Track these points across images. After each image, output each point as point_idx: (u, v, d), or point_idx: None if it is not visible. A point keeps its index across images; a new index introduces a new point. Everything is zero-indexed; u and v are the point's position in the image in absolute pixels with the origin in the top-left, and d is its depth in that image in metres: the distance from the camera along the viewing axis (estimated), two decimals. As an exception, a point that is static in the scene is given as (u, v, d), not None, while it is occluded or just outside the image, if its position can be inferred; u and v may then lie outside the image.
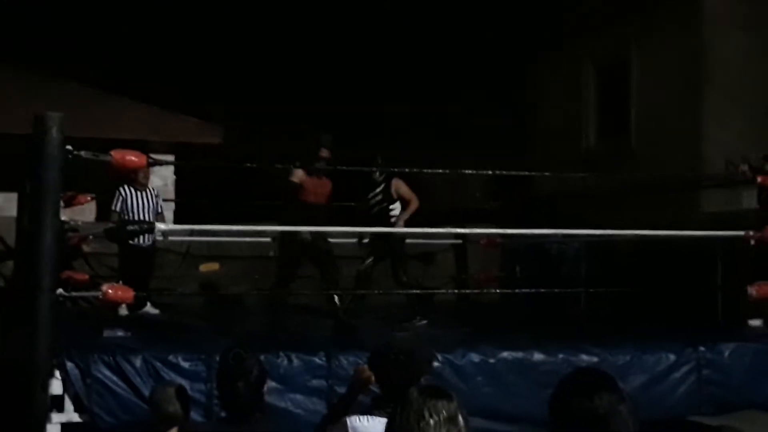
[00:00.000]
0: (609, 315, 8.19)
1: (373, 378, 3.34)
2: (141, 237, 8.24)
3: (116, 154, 5.26)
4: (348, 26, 13.19)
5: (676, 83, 10.52)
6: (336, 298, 7.87)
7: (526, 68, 13.61)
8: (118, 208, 8.54)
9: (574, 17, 12.22)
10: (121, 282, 6.69)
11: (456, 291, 10.83)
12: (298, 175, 7.80)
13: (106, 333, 6.38)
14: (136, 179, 8.55)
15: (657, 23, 10.84)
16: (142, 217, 8.46)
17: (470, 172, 7.59)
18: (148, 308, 8.35)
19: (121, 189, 8.58)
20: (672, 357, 5.91)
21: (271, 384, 4.01)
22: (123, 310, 7.67)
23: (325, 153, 7.77)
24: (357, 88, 13.32)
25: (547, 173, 9.07)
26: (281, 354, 5.30)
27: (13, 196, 9.34)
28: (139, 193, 8.63)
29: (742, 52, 10.08)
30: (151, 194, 8.78)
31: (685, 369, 5.90)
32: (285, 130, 11.97)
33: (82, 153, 5.07)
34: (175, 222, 10.49)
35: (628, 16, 11.15)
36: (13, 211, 9.22)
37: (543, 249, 10.66)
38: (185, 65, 12.69)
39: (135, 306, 7.61)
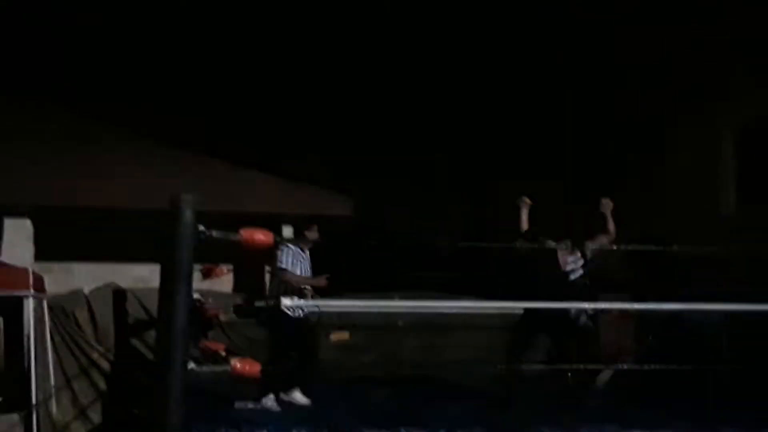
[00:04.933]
0: (751, 392, 7.74)
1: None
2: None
3: (245, 233, 5.46)
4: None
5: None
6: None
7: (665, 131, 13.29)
8: (289, 266, 7.65)
9: (715, 79, 11.90)
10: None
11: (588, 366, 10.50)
12: None
13: (237, 405, 6.56)
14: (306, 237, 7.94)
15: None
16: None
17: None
18: (296, 395, 7.28)
19: (289, 246, 7.78)
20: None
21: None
22: (270, 402, 6.97)
23: None
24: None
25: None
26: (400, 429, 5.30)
27: (158, 268, 9.80)
28: (304, 253, 7.86)
29: None
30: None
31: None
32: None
33: (213, 233, 5.30)
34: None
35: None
36: (157, 282, 9.65)
37: (680, 319, 10.24)
38: (319, 138, 13.03)
39: (280, 389, 7.16)
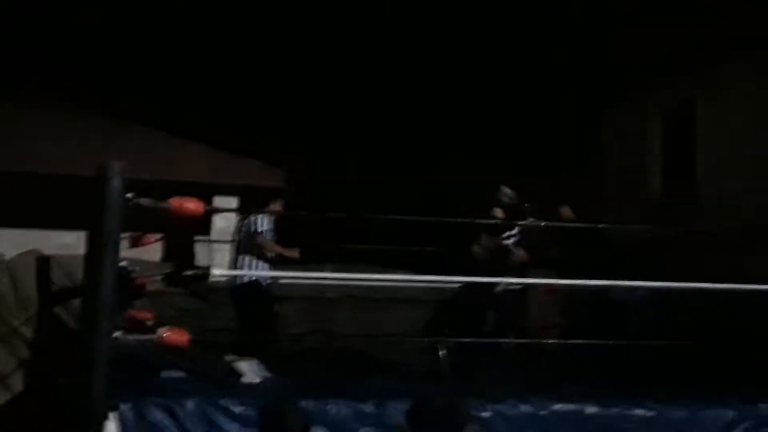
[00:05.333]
0: (670, 368, 7.99)
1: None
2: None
3: (175, 202, 5.40)
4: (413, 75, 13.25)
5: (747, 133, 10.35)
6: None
7: (599, 113, 13.52)
8: (265, 230, 7.59)
9: (643, 64, 12.14)
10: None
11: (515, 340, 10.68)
12: None
13: (164, 374, 6.49)
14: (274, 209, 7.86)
15: (729, 72, 10.67)
16: None
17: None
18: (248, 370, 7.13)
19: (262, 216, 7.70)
20: (730, 414, 5.75)
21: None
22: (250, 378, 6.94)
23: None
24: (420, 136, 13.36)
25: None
26: (330, 402, 5.32)
27: (84, 235, 9.62)
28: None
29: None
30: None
31: (742, 427, 5.72)
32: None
33: (142, 200, 5.22)
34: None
35: (698, 65, 11.03)
36: (83, 249, 9.46)
37: (605, 297, 10.47)
38: (251, 108, 12.92)
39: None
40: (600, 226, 9.14)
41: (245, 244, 7.67)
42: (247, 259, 7.59)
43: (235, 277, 7.59)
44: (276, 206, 7.89)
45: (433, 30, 12.52)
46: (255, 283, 7.56)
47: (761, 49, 10.15)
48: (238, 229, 7.84)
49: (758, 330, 7.89)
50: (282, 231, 7.77)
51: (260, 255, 7.54)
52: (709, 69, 10.91)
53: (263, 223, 7.60)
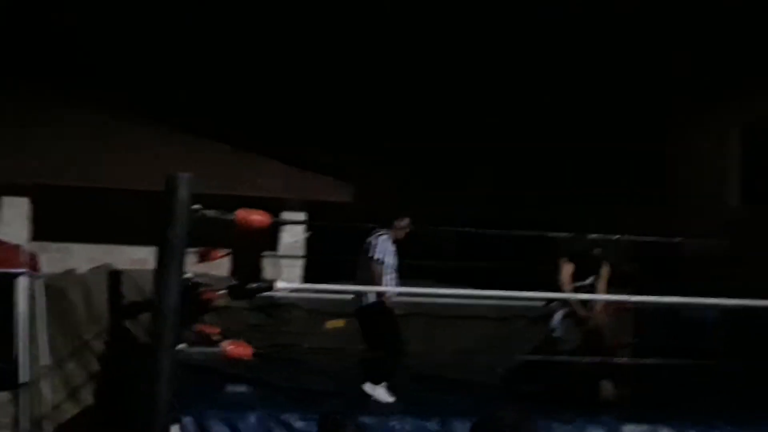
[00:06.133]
0: (748, 390, 7.66)
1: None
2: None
3: (240, 214, 5.40)
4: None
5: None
6: None
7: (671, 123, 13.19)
8: (382, 257, 7.30)
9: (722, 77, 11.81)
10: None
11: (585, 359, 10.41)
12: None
13: (229, 388, 6.49)
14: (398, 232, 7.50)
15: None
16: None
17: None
18: (380, 392, 6.89)
19: (384, 236, 7.42)
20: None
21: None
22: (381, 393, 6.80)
23: None
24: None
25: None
26: (393, 418, 5.22)
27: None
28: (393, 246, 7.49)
29: None
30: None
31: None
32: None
33: (208, 212, 5.22)
34: (306, 280, 10.70)
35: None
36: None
37: (680, 315, 10.13)
38: (320, 123, 12.95)
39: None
40: (676, 240, 8.84)
41: (363, 266, 7.42)
42: (365, 281, 7.36)
43: (360, 297, 7.34)
44: (401, 224, 7.54)
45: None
46: (379, 304, 7.23)
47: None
48: (364, 250, 7.48)
49: None
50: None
51: (376, 280, 7.25)
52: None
53: (382, 248, 7.30)
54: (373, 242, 7.32)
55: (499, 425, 3.17)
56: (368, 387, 6.86)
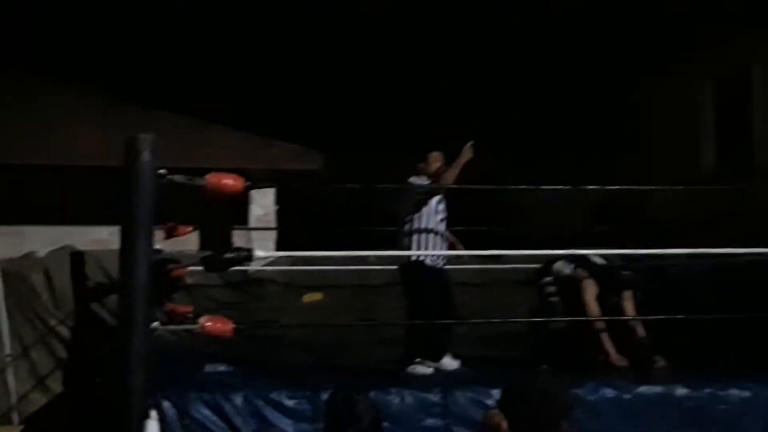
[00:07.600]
0: (750, 345, 7.37)
1: (505, 425, 2.80)
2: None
3: (211, 178, 4.93)
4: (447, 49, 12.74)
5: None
6: None
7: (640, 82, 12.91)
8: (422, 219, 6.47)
9: (694, 30, 11.50)
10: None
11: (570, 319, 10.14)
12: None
13: (208, 368, 6.08)
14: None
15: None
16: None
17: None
18: (447, 361, 6.33)
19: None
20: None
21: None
22: (425, 369, 6.13)
23: None
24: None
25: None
26: (392, 391, 4.83)
27: (117, 230, 9.29)
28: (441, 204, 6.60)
29: None
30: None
31: None
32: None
33: (176, 177, 4.74)
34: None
35: (751, 30, 10.38)
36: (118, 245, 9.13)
37: (663, 274, 9.85)
38: (284, 92, 12.54)
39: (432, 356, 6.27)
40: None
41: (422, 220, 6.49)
42: (423, 237, 6.45)
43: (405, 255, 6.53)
44: (435, 162, 6.62)
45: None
46: (428, 263, 6.45)
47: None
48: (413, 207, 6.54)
49: None
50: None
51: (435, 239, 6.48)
52: (764, 32, 10.24)
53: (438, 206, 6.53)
54: (436, 199, 6.52)
55: (529, 390, 2.84)
56: (420, 368, 6.11)
